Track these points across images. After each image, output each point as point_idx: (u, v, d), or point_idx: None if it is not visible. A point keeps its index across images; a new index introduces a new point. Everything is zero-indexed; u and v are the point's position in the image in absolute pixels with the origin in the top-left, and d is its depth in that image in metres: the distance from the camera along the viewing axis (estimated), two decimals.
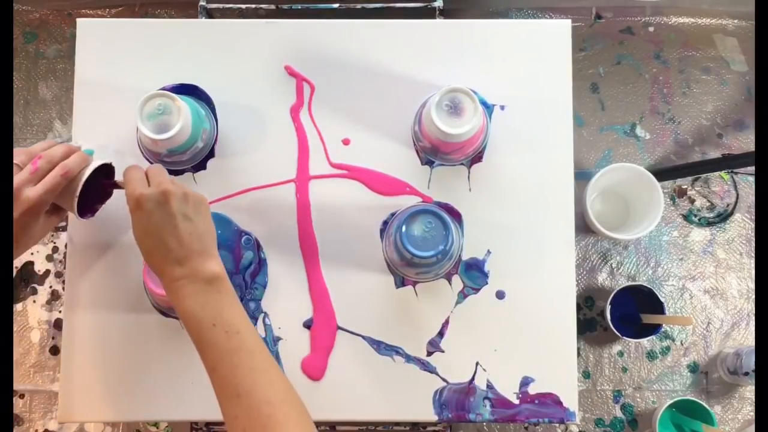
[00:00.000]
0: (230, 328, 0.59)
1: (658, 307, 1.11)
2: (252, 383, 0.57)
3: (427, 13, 1.04)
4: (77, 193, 0.66)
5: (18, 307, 1.18)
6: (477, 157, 0.81)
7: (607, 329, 1.14)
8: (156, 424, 1.17)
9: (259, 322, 0.79)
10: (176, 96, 0.73)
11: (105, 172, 0.71)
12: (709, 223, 1.21)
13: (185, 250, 0.60)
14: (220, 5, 1.20)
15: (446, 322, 0.79)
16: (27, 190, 0.62)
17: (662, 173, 1.15)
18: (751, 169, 1.21)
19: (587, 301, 1.19)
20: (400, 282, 0.79)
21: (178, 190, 0.62)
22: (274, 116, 0.81)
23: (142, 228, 0.61)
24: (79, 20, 0.83)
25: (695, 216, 1.21)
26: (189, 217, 0.62)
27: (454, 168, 0.81)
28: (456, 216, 0.80)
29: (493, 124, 0.81)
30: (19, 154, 0.64)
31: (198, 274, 0.60)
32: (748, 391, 1.16)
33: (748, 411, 1.16)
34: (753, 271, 1.19)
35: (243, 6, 1.17)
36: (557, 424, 1.16)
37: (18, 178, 0.62)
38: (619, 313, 1.12)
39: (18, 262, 1.20)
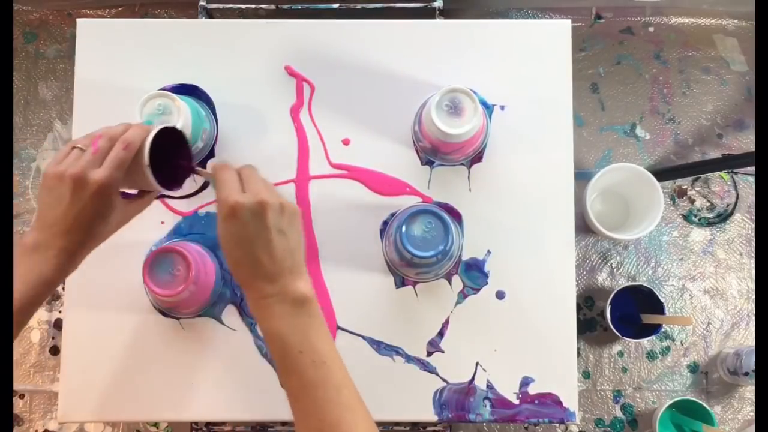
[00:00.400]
0: (317, 357, 0.56)
1: (658, 307, 1.11)
2: (338, 420, 0.55)
3: (427, 13, 1.04)
4: (147, 163, 0.59)
5: None
6: (477, 157, 0.81)
7: (607, 329, 1.14)
8: (156, 424, 1.17)
9: None
10: (176, 96, 0.73)
11: (172, 137, 0.63)
12: (709, 223, 1.21)
13: (277, 267, 0.57)
14: (220, 5, 1.20)
15: (446, 322, 0.79)
16: (92, 172, 0.57)
17: (662, 173, 1.15)
18: (751, 169, 1.21)
19: (587, 301, 1.19)
20: (400, 282, 0.79)
21: (275, 201, 0.57)
22: (274, 116, 0.81)
23: (233, 238, 0.56)
24: (79, 20, 0.83)
25: (695, 216, 1.21)
26: (283, 232, 0.57)
27: (454, 168, 0.81)
28: (456, 216, 0.80)
29: (493, 124, 0.81)
30: (80, 140, 0.60)
31: (288, 294, 0.57)
32: (748, 391, 1.16)
33: (748, 411, 1.16)
34: (753, 271, 1.19)
35: (243, 6, 1.17)
36: (557, 424, 1.16)
37: (80, 162, 0.57)
38: (619, 313, 1.12)
39: None
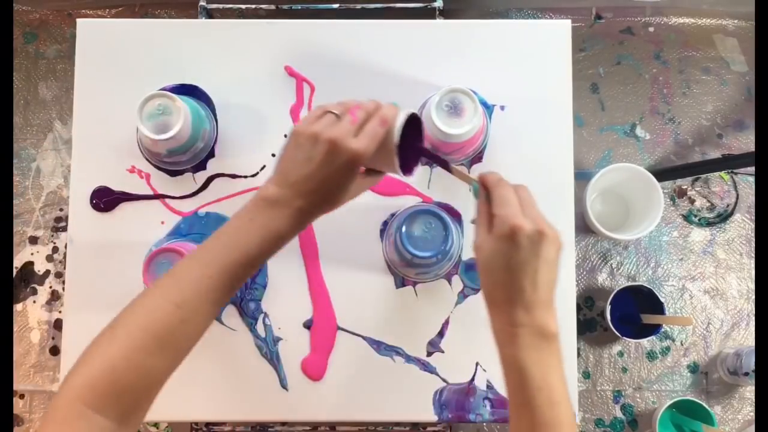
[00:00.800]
0: (554, 396, 0.54)
1: (658, 308, 1.11)
2: None
3: (427, 13, 1.04)
4: (396, 143, 0.58)
5: (18, 307, 1.19)
6: (477, 158, 0.81)
7: (607, 329, 1.14)
8: (156, 424, 1.17)
9: (259, 322, 0.79)
10: (176, 96, 0.73)
11: (412, 125, 0.62)
12: (709, 224, 1.21)
13: (536, 297, 0.55)
14: (220, 5, 1.20)
15: (446, 323, 0.79)
16: (349, 140, 0.56)
17: (662, 173, 1.15)
18: (751, 169, 1.21)
19: (587, 302, 1.19)
20: (400, 282, 0.79)
21: (553, 233, 0.56)
22: (274, 116, 0.81)
23: (503, 260, 0.55)
24: (79, 20, 0.83)
25: (695, 216, 1.21)
26: (550, 263, 0.56)
27: None
28: (456, 216, 0.79)
29: (493, 124, 0.81)
30: (331, 105, 0.59)
31: (540, 327, 0.55)
32: (748, 391, 1.16)
33: (748, 411, 1.16)
34: (753, 272, 1.19)
35: (243, 6, 1.17)
36: None
37: (339, 128, 0.56)
38: (619, 313, 1.12)
39: (18, 262, 1.20)
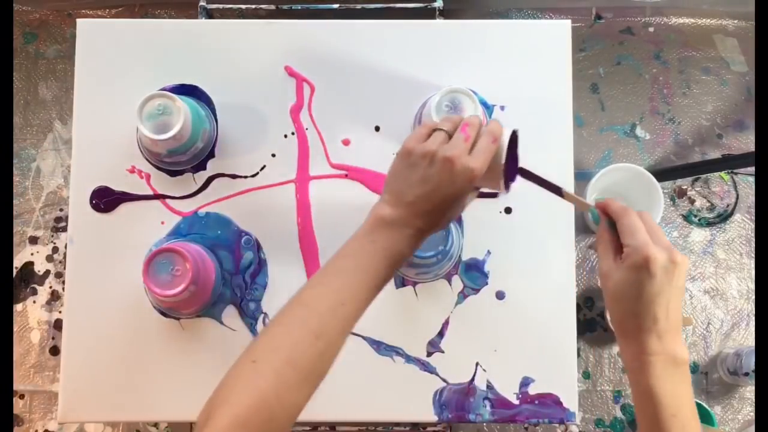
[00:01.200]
0: (687, 423, 0.55)
1: None
2: None
3: (427, 13, 1.04)
4: (503, 162, 0.58)
5: (18, 307, 1.19)
6: None
7: (607, 329, 1.14)
8: (156, 424, 1.17)
9: (259, 322, 0.79)
10: (176, 96, 0.73)
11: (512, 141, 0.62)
12: (709, 224, 1.21)
13: (669, 326, 0.55)
14: (220, 5, 1.20)
15: (446, 323, 0.79)
16: (466, 159, 0.56)
17: (662, 173, 1.15)
18: (751, 169, 1.21)
19: (587, 302, 1.19)
20: (400, 282, 0.79)
21: (684, 261, 0.56)
22: (274, 116, 0.81)
23: (636, 290, 0.54)
24: (79, 20, 0.83)
25: (695, 216, 1.21)
26: (681, 290, 0.56)
27: None
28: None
29: None
30: (441, 123, 0.59)
31: (673, 354, 0.55)
32: (748, 391, 1.16)
33: (748, 411, 1.16)
34: (753, 272, 1.19)
35: (243, 6, 1.17)
36: (557, 425, 1.16)
37: (455, 146, 0.56)
38: None
39: (18, 262, 1.20)
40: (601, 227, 0.59)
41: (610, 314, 0.58)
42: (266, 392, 0.51)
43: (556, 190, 0.62)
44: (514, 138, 0.61)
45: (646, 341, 0.55)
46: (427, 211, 0.57)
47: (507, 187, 0.61)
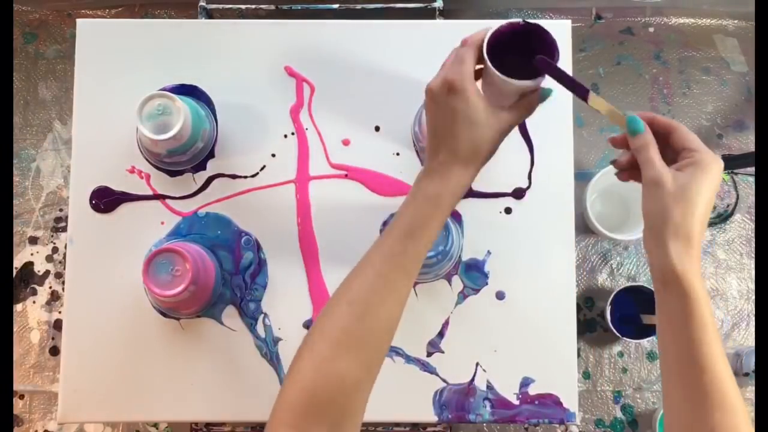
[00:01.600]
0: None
1: None
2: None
3: (427, 13, 1.04)
4: (485, 51, 0.58)
5: (18, 307, 1.18)
6: None
7: (607, 330, 1.14)
8: (156, 425, 1.17)
9: (259, 322, 0.79)
10: (176, 96, 0.73)
11: (536, 39, 0.59)
12: (710, 224, 1.21)
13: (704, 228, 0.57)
14: (220, 5, 1.20)
15: (446, 323, 0.79)
16: (439, 78, 0.61)
17: None
18: (751, 169, 1.21)
19: (587, 302, 1.19)
20: None
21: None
22: (274, 116, 0.81)
23: (709, 193, 0.57)
24: (79, 20, 0.83)
25: None
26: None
27: None
28: (456, 216, 0.79)
29: None
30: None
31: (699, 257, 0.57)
32: (748, 391, 1.16)
33: (748, 411, 1.16)
34: (753, 272, 1.19)
35: (243, 6, 1.17)
36: (557, 425, 1.16)
37: (434, 77, 0.62)
38: (619, 313, 1.12)
39: (18, 262, 1.19)
40: (647, 136, 0.58)
41: (661, 221, 0.56)
42: (305, 370, 0.52)
43: (582, 91, 0.58)
44: (539, 36, 0.58)
45: (697, 242, 0.56)
46: (446, 143, 0.59)
47: (537, 74, 0.58)
